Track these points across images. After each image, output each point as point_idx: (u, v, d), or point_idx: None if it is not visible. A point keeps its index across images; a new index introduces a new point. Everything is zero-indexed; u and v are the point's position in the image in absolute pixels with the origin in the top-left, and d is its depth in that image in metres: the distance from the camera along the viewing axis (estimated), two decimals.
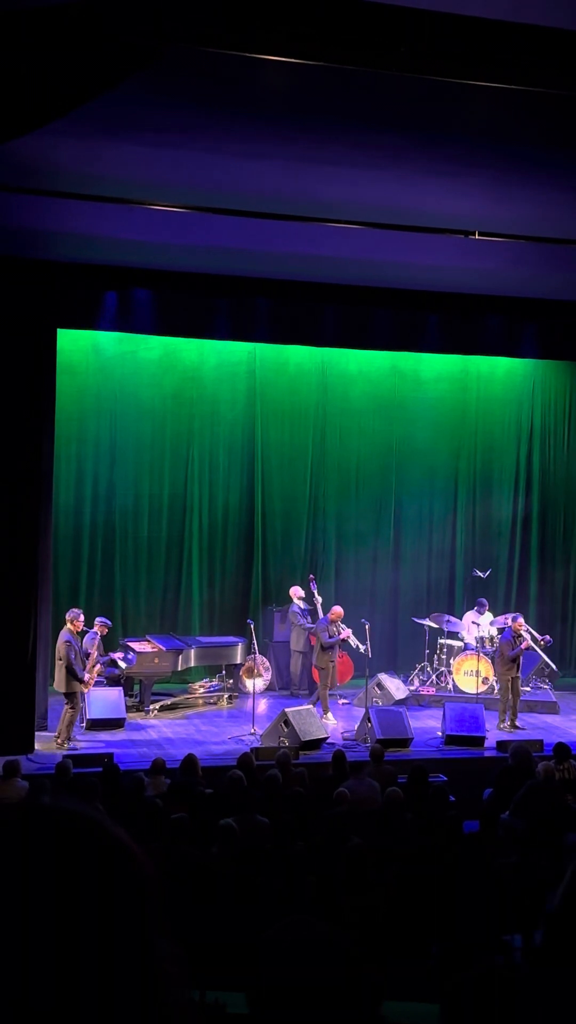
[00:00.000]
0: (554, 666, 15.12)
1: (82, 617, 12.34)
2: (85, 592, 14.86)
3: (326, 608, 14.26)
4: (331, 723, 13.25)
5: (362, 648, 13.55)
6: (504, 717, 13.34)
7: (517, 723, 13.39)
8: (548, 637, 14.82)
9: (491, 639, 14.48)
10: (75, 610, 12.46)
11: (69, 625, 12.18)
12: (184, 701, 14.11)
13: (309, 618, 14.61)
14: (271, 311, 14.01)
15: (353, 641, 13.58)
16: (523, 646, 13.47)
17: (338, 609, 13.70)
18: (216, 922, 6.02)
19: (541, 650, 14.69)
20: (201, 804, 8.74)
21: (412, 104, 8.60)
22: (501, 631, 13.75)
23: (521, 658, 13.81)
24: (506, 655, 13.25)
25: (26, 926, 0.96)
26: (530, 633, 14.07)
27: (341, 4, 6.96)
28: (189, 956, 1.08)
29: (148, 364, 15.14)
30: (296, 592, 14.75)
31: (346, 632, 13.53)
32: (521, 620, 13.70)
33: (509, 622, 13.78)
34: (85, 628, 12.48)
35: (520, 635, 13.42)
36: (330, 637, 13.45)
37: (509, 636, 13.37)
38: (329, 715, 13.43)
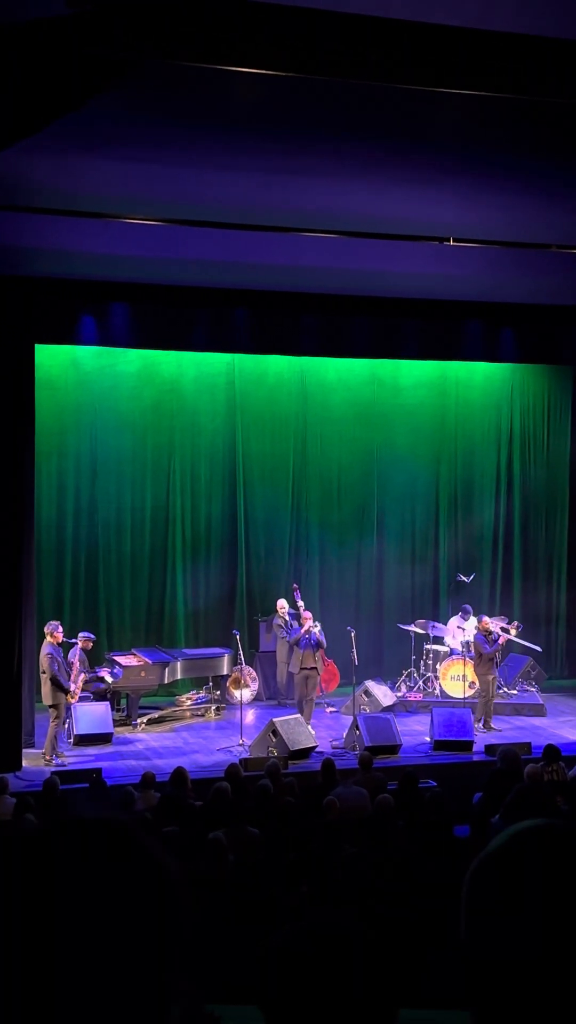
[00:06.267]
0: (536, 647, 15.16)
1: (61, 628, 12.36)
2: (69, 607, 14.82)
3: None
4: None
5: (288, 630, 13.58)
6: (479, 717, 13.40)
7: (492, 724, 13.46)
8: (518, 623, 14.89)
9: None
10: (54, 622, 12.48)
11: (49, 638, 12.18)
12: (172, 714, 14.08)
13: (296, 626, 14.59)
14: (249, 322, 14.04)
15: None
16: (501, 641, 13.56)
17: (306, 614, 13.67)
18: (211, 936, 6.01)
19: (516, 637, 14.65)
20: (191, 817, 8.72)
21: (384, 113, 8.66)
22: (489, 633, 13.75)
23: (499, 658, 13.88)
24: (483, 654, 13.34)
25: (48, 934, 0.96)
26: (499, 626, 14.09)
27: (311, 15, 7.00)
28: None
29: (127, 377, 15.13)
30: (281, 605, 14.72)
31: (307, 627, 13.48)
32: (486, 619, 13.81)
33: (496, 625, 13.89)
34: (66, 640, 12.48)
35: (491, 631, 13.52)
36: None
37: (481, 637, 13.48)
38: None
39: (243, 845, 7.66)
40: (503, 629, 14.21)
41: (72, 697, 12.31)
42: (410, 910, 6.42)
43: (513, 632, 14.43)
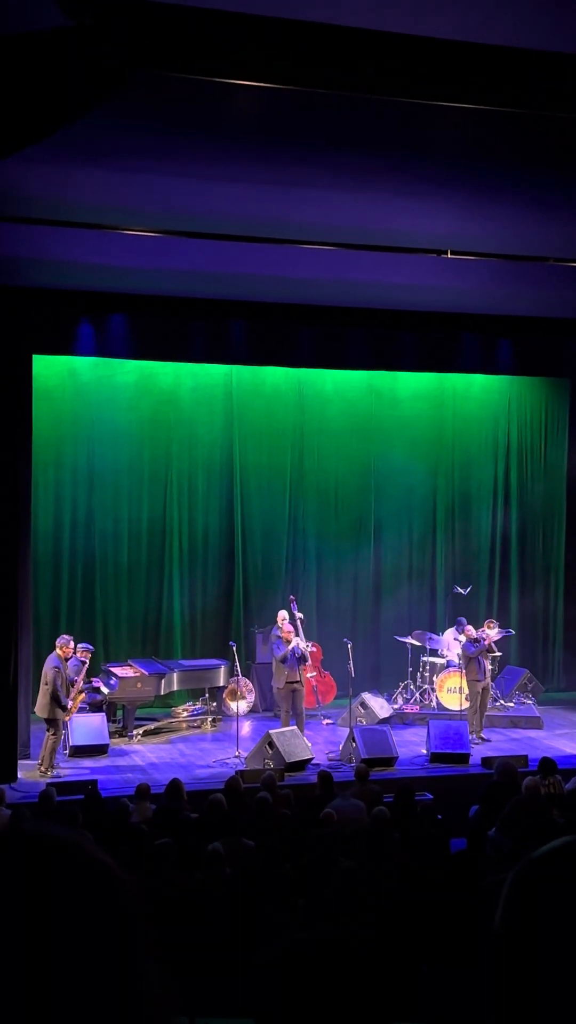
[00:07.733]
0: (511, 631, 15.19)
1: (72, 644, 12.29)
2: (66, 618, 14.79)
3: (306, 628, 14.18)
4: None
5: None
6: (472, 727, 13.37)
7: (482, 735, 13.43)
8: (492, 620, 14.90)
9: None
10: (65, 636, 12.43)
11: (58, 651, 12.12)
12: (168, 725, 14.03)
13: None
14: (247, 333, 14.06)
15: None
16: (485, 644, 13.60)
17: (288, 628, 13.54)
18: (205, 947, 5.97)
19: (496, 631, 14.56)
20: (186, 829, 8.68)
21: (382, 125, 8.67)
22: (476, 641, 13.75)
23: (494, 668, 13.87)
24: (469, 657, 13.42)
25: (4, 952, 0.94)
26: (482, 632, 14.06)
27: (309, 27, 7.01)
28: (178, 983, 1.06)
29: (125, 388, 15.13)
30: (282, 616, 14.58)
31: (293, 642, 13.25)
32: (469, 628, 13.82)
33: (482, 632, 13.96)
34: (74, 656, 12.40)
35: (476, 639, 13.56)
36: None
37: (468, 644, 13.60)
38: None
39: (239, 857, 7.62)
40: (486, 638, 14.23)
41: (67, 715, 12.21)
42: (406, 923, 6.39)
43: (493, 632, 14.40)
